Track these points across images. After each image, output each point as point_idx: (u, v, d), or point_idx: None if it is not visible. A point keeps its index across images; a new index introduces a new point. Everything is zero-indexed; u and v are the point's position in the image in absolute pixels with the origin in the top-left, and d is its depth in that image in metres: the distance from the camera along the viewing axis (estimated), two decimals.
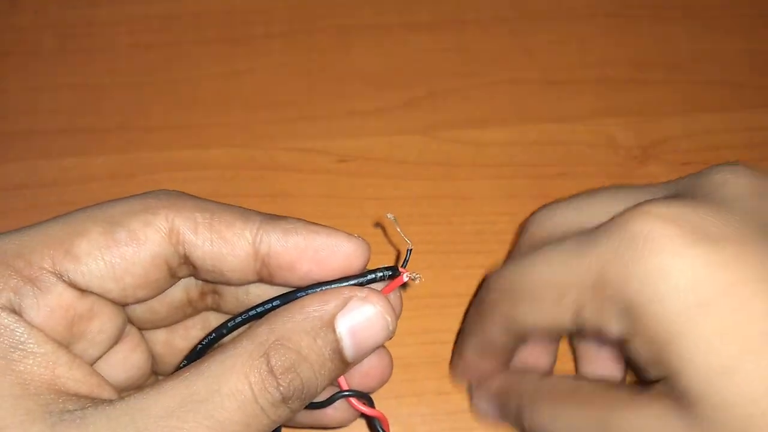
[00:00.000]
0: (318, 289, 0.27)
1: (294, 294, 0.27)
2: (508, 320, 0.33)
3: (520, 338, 0.34)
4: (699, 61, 0.47)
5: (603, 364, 0.36)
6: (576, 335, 0.37)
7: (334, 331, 0.26)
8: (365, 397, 0.30)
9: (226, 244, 0.27)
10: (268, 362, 0.25)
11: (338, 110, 0.46)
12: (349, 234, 0.28)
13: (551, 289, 0.30)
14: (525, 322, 0.32)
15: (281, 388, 0.24)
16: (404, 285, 0.28)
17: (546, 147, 0.44)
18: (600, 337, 0.29)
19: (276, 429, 0.26)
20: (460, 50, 0.47)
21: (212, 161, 0.44)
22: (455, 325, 0.40)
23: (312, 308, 0.26)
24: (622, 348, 0.29)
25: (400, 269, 0.28)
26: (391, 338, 0.28)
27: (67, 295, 0.25)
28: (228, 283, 0.29)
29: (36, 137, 0.45)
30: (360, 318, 0.27)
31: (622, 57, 0.47)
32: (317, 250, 0.27)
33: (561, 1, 0.49)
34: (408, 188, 0.43)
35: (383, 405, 0.38)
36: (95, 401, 0.24)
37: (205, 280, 0.29)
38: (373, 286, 0.28)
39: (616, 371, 0.36)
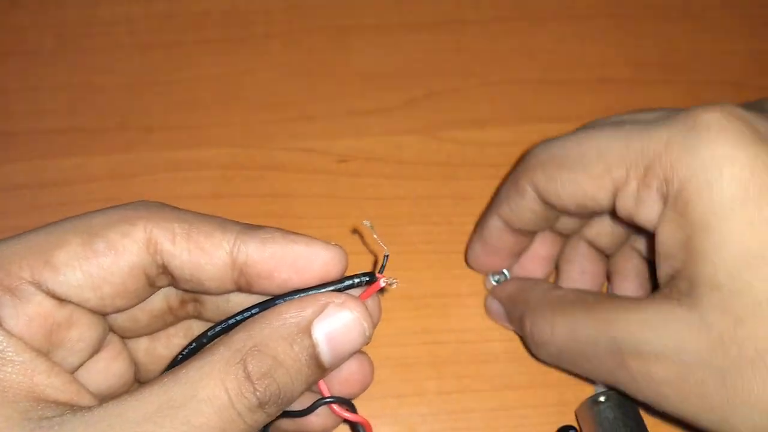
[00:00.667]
0: (296, 297, 0.28)
1: (273, 302, 0.28)
2: (545, 188, 0.33)
3: (546, 217, 0.35)
4: (699, 61, 0.47)
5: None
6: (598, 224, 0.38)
7: (310, 336, 0.26)
8: (347, 403, 0.30)
9: (204, 253, 0.27)
10: (245, 368, 0.25)
11: (338, 110, 0.46)
12: (327, 242, 0.28)
13: (600, 161, 0.31)
14: (561, 192, 0.32)
15: (258, 394, 0.25)
16: (381, 290, 0.28)
17: None
18: (624, 225, 0.30)
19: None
20: (460, 50, 0.47)
21: (212, 161, 0.44)
22: (455, 325, 0.40)
23: (289, 315, 0.27)
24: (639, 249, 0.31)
25: (377, 275, 0.28)
26: (367, 343, 0.28)
27: (46, 304, 0.26)
28: (207, 293, 0.29)
29: (36, 137, 0.45)
30: (337, 324, 0.27)
31: (622, 57, 0.47)
32: (295, 259, 0.27)
33: (561, 1, 0.49)
34: (408, 188, 0.43)
35: (383, 405, 0.38)
36: (74, 408, 0.24)
37: (185, 290, 0.29)
38: (351, 292, 0.28)
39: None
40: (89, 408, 0.24)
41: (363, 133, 0.45)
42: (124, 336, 0.31)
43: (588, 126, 0.35)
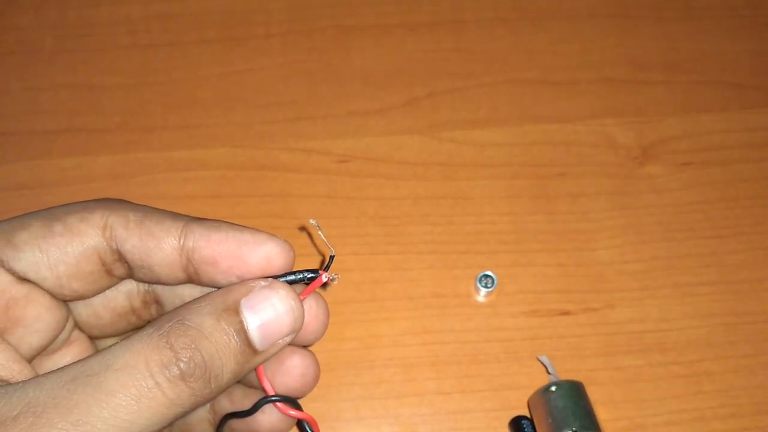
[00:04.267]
0: None
1: None
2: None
3: None
4: (699, 61, 0.47)
5: None
6: None
7: (237, 313, 0.27)
8: (291, 401, 0.30)
9: (154, 238, 0.28)
10: (168, 340, 0.25)
11: (338, 110, 0.46)
12: (272, 234, 0.29)
13: None
14: None
15: (181, 364, 0.25)
16: (324, 285, 0.29)
17: (546, 147, 0.44)
18: None
19: None
20: (460, 50, 0.47)
21: (212, 161, 0.44)
22: (455, 325, 0.40)
23: (217, 296, 0.27)
24: None
25: (320, 271, 0.29)
26: (298, 326, 0.28)
27: (4, 279, 0.27)
28: (160, 281, 0.30)
29: (36, 137, 0.45)
30: (263, 303, 0.27)
31: (622, 57, 0.47)
32: (238, 246, 0.28)
33: (561, 1, 0.49)
34: (408, 188, 0.43)
35: (384, 405, 0.38)
36: (8, 384, 0.25)
37: (141, 280, 0.31)
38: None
39: None
40: (18, 382, 0.25)
41: (363, 133, 0.45)
42: (92, 335, 0.32)
43: None
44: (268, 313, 0.27)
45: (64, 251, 0.28)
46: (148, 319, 0.32)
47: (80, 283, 0.29)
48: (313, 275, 0.29)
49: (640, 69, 0.47)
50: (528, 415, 0.37)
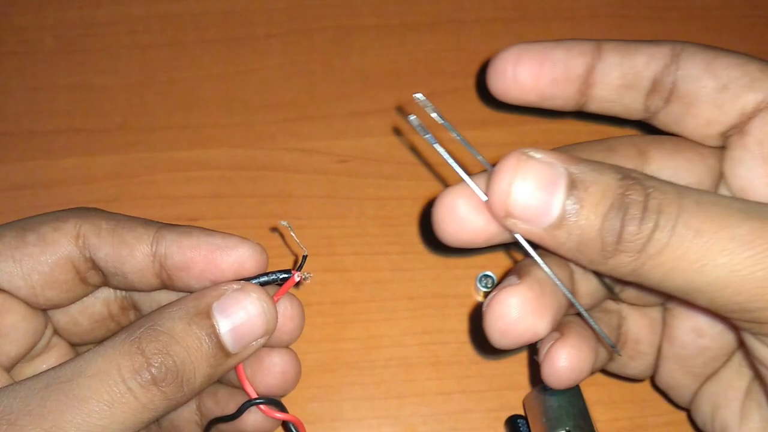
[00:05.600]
0: None
1: None
2: None
3: None
4: None
5: None
6: None
7: (209, 317, 0.27)
8: (275, 403, 0.30)
9: (126, 246, 0.29)
10: (139, 345, 0.25)
11: (339, 110, 0.46)
12: (244, 238, 0.29)
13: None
14: None
15: (152, 369, 0.25)
16: (297, 284, 0.29)
17: (546, 147, 0.44)
18: None
19: None
20: (460, 50, 0.47)
21: (213, 161, 0.44)
22: (455, 325, 0.40)
23: (189, 300, 0.27)
24: None
25: (293, 271, 0.29)
26: (272, 328, 0.28)
27: None
28: (134, 288, 0.30)
29: (36, 138, 0.45)
30: (235, 306, 0.27)
31: None
32: (210, 250, 0.29)
33: (561, 2, 0.49)
34: (408, 188, 0.43)
35: (384, 405, 0.38)
36: None
37: (116, 287, 0.31)
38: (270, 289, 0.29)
39: None
40: None
41: (363, 133, 0.45)
42: (72, 342, 0.32)
43: None
44: (240, 315, 0.27)
45: (37, 260, 0.28)
46: (126, 325, 0.32)
47: (55, 292, 0.29)
48: (285, 275, 0.29)
49: None
50: (524, 415, 0.37)
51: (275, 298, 0.29)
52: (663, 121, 0.30)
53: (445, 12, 0.48)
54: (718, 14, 0.48)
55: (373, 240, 0.42)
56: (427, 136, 0.28)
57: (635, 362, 0.33)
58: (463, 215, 0.27)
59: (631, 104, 0.30)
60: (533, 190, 0.25)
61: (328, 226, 0.42)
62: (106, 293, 0.31)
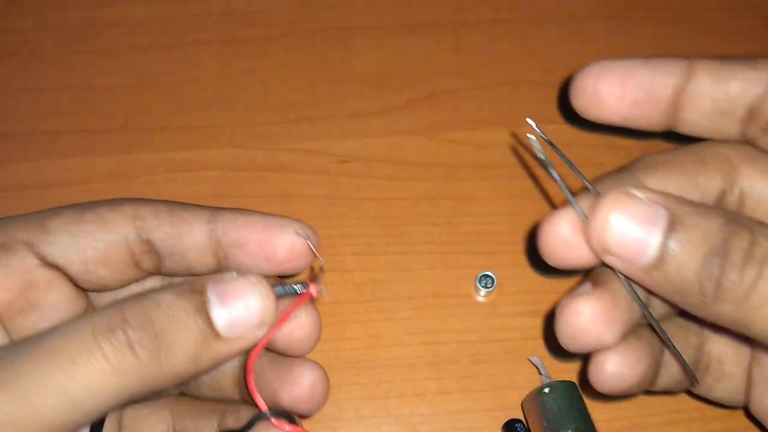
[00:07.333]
0: None
1: None
2: None
3: None
4: None
5: None
6: None
7: (201, 294, 0.26)
8: (285, 416, 0.29)
9: (184, 223, 0.29)
10: (120, 308, 0.25)
11: (339, 111, 0.46)
12: (296, 219, 0.30)
13: None
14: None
15: (128, 329, 0.24)
16: (313, 299, 0.29)
17: (546, 148, 0.44)
18: None
19: None
20: (460, 51, 0.47)
21: (213, 162, 0.44)
22: (455, 325, 0.40)
23: (186, 280, 0.27)
24: None
25: (309, 283, 0.29)
26: (269, 318, 0.27)
27: (29, 261, 0.28)
28: (189, 270, 0.30)
29: (38, 138, 0.45)
30: (232, 288, 0.27)
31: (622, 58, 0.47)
32: (265, 228, 0.29)
33: (561, 2, 0.49)
34: (408, 189, 0.43)
35: (385, 405, 0.39)
36: None
37: (169, 273, 0.31)
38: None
39: None
40: None
41: (364, 134, 0.45)
42: None
43: None
44: (236, 299, 0.26)
45: (94, 237, 0.28)
46: None
47: (107, 272, 0.29)
48: (301, 288, 0.29)
49: None
50: (522, 418, 0.37)
51: (289, 311, 0.28)
52: (765, 147, 0.28)
53: (444, 13, 0.48)
54: (717, 15, 0.48)
55: (373, 240, 0.42)
56: (542, 158, 0.28)
57: (722, 384, 0.32)
58: (567, 239, 0.27)
59: (725, 130, 0.29)
60: (630, 229, 0.25)
61: (328, 226, 0.42)
62: (152, 283, 0.31)
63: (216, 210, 0.30)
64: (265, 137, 0.45)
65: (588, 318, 0.26)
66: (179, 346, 0.25)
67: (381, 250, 0.42)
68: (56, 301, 0.29)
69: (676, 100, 0.28)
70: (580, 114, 0.29)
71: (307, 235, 0.29)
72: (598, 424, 0.35)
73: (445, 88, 0.46)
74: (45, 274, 0.28)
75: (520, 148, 0.44)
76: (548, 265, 0.29)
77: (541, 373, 0.38)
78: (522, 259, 0.42)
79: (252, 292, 0.27)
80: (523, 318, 0.40)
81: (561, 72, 0.47)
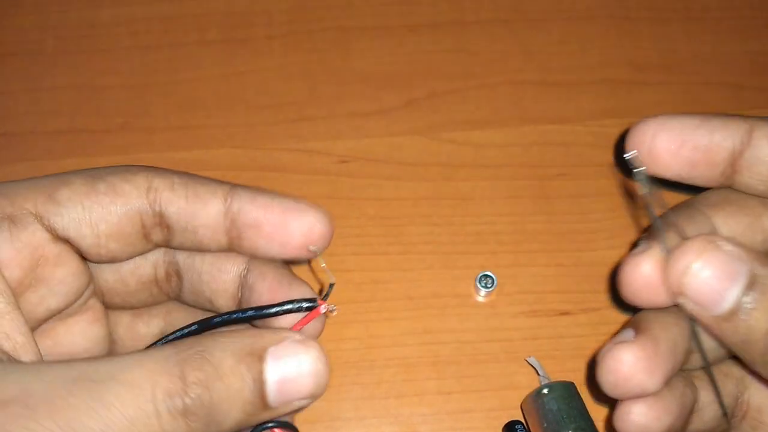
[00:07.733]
0: (234, 315, 0.28)
1: (211, 320, 0.29)
2: None
3: None
4: (698, 62, 0.47)
5: None
6: None
7: (261, 361, 0.25)
8: (289, 427, 0.28)
9: (200, 200, 0.28)
10: (182, 369, 0.24)
11: (339, 111, 0.46)
12: (314, 204, 0.29)
13: None
14: None
15: (187, 399, 0.23)
16: (322, 315, 0.29)
17: (546, 148, 0.44)
18: None
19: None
20: (460, 51, 0.47)
21: (213, 162, 0.44)
22: (455, 325, 0.40)
23: (246, 336, 0.26)
24: None
25: (319, 301, 0.28)
26: (319, 392, 0.26)
27: (40, 236, 0.27)
28: (201, 246, 0.29)
29: (38, 138, 0.45)
30: (290, 357, 0.25)
31: (622, 58, 0.47)
32: (282, 210, 0.28)
33: (561, 2, 0.49)
34: (408, 189, 0.43)
35: (384, 405, 0.39)
36: (10, 359, 0.24)
37: (178, 247, 0.30)
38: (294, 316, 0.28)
39: None
40: (20, 362, 0.24)
41: (363, 134, 0.45)
42: (113, 303, 0.31)
43: None
44: (291, 368, 0.25)
45: (107, 210, 0.28)
46: (167, 293, 0.32)
47: (117, 245, 0.28)
48: (311, 305, 0.28)
49: (639, 70, 0.47)
50: (522, 419, 0.37)
51: (296, 328, 0.28)
52: None
53: (445, 13, 0.48)
54: (716, 15, 0.48)
55: (373, 240, 0.42)
56: (646, 193, 0.28)
57: None
58: (649, 279, 0.28)
59: None
60: (710, 278, 0.26)
61: None
62: (156, 255, 0.31)
63: (233, 187, 0.29)
64: (265, 137, 0.45)
65: (630, 366, 0.27)
66: (229, 416, 0.25)
67: (381, 250, 0.42)
68: (64, 276, 0.28)
69: (734, 163, 0.29)
70: (633, 167, 0.29)
71: (318, 251, 0.29)
72: (598, 424, 0.35)
73: (445, 88, 0.46)
74: (55, 249, 0.27)
75: (520, 149, 0.44)
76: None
77: (539, 374, 0.38)
78: (522, 259, 0.42)
79: (310, 363, 0.26)
80: (523, 318, 0.40)
81: (561, 72, 0.47)
